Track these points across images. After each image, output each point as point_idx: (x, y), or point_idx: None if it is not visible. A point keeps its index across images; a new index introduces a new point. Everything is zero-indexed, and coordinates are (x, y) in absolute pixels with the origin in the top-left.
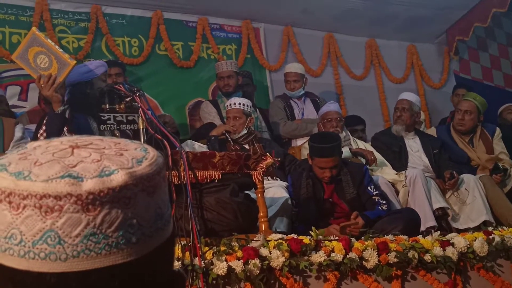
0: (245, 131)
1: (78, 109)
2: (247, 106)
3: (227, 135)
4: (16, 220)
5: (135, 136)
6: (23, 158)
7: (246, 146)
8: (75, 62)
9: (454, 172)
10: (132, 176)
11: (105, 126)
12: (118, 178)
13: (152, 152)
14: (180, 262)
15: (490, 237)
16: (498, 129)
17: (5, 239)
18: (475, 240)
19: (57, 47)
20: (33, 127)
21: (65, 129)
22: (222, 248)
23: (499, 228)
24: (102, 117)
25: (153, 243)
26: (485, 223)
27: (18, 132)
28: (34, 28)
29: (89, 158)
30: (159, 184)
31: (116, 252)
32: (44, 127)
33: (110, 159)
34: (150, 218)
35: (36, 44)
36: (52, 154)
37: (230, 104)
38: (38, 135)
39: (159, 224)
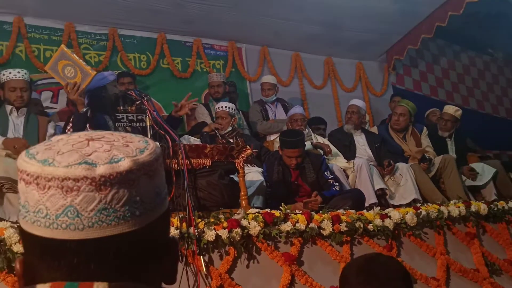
0: (230, 128)
1: (97, 109)
2: (232, 108)
3: (216, 131)
4: (42, 198)
5: (143, 132)
6: (48, 149)
7: (231, 140)
8: (95, 72)
9: (391, 161)
10: (136, 163)
11: (120, 123)
12: (125, 164)
13: (152, 144)
14: (178, 230)
15: (418, 211)
16: (425, 128)
17: (34, 213)
18: (406, 214)
19: (81, 60)
20: (62, 124)
21: (87, 125)
22: (211, 220)
23: (425, 204)
24: (117, 117)
25: (153, 215)
26: (415, 201)
27: (51, 129)
28: (62, 46)
29: (102, 149)
30: (157, 169)
31: (124, 223)
32: (71, 124)
33: (118, 149)
34: (150, 196)
35: (64, 58)
36: (71, 145)
37: (219, 107)
38: (66, 130)
39: (158, 200)
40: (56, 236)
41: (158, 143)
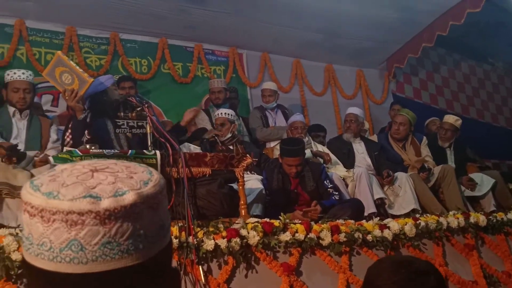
0: (229, 135)
1: (97, 114)
2: (231, 115)
3: (216, 138)
4: (46, 231)
5: (143, 138)
6: (53, 180)
7: (231, 147)
8: (92, 79)
9: (390, 171)
10: (140, 196)
11: (120, 130)
12: (129, 197)
13: (156, 175)
14: (177, 240)
15: (417, 222)
16: (424, 138)
17: (38, 246)
18: (405, 224)
19: (77, 67)
20: (62, 128)
21: (86, 132)
22: (211, 229)
23: (424, 215)
24: (118, 123)
25: (156, 248)
26: (414, 211)
27: (53, 134)
28: (59, 52)
29: (106, 181)
30: (161, 201)
31: (127, 256)
32: (70, 131)
33: (122, 182)
34: (154, 229)
35: (61, 65)
36: (76, 177)
37: (218, 114)
38: (65, 137)
39: (161, 233)
40: (60, 270)
41: (161, 176)
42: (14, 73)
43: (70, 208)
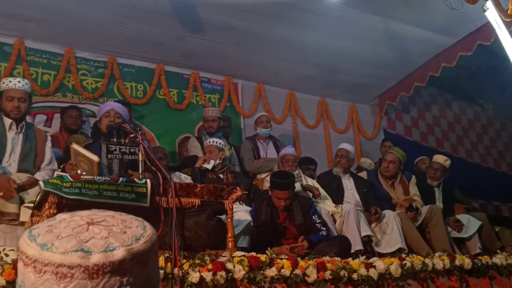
0: (219, 161)
1: (97, 137)
2: (220, 143)
3: (206, 166)
4: (37, 281)
5: (135, 164)
6: (50, 231)
7: (221, 176)
8: (98, 159)
9: (378, 209)
10: (129, 252)
11: (112, 155)
12: (119, 254)
13: (149, 230)
14: (162, 271)
15: (403, 262)
16: (413, 177)
17: None
18: (391, 264)
19: (85, 152)
20: (54, 150)
21: None
22: (197, 261)
23: (410, 255)
24: (110, 148)
25: None
26: (400, 250)
27: (48, 154)
28: (73, 146)
29: (99, 235)
30: (151, 257)
31: None
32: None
33: (115, 237)
34: (141, 284)
35: (77, 155)
36: (72, 229)
37: (208, 142)
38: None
39: None
40: None
41: (155, 231)
42: (10, 81)
43: (61, 261)
